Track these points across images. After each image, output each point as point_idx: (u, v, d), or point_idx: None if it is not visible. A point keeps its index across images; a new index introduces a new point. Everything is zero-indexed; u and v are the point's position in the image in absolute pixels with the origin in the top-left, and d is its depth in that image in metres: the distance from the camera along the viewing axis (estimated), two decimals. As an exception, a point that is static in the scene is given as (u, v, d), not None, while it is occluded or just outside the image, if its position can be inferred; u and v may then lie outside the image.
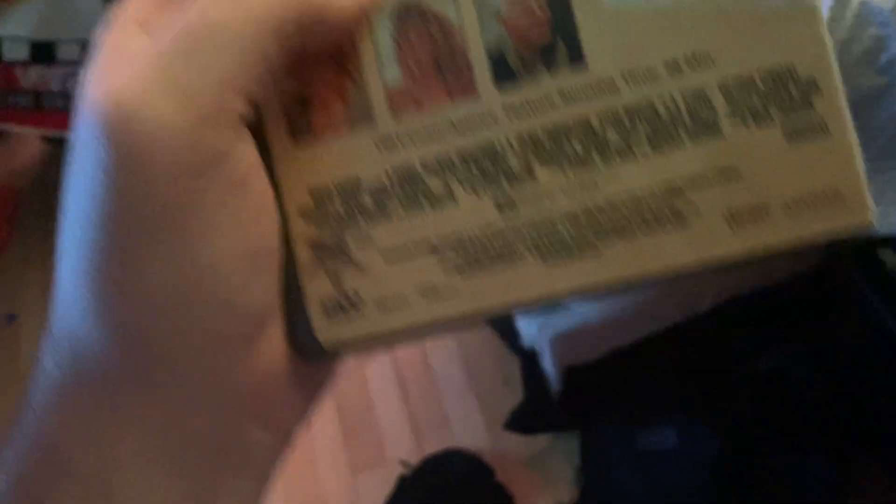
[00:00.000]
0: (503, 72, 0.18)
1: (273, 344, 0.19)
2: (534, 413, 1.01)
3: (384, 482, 1.11)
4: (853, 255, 0.82)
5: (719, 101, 0.17)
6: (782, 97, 0.17)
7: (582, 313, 0.78)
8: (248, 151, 0.18)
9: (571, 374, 0.87)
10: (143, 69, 0.16)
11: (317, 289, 0.19)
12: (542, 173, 0.18)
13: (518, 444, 1.10)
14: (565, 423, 1.02)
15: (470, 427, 1.16)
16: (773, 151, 0.17)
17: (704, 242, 0.18)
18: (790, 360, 0.97)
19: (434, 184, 0.18)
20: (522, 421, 1.04)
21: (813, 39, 0.17)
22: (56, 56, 1.37)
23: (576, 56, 0.17)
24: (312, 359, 0.20)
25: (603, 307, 0.76)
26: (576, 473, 1.09)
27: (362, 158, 0.19)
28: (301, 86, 0.19)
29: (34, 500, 0.17)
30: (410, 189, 0.18)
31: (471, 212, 0.18)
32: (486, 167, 0.18)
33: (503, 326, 1.01)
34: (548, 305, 0.20)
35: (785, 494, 1.00)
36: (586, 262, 0.18)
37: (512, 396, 1.16)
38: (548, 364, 0.85)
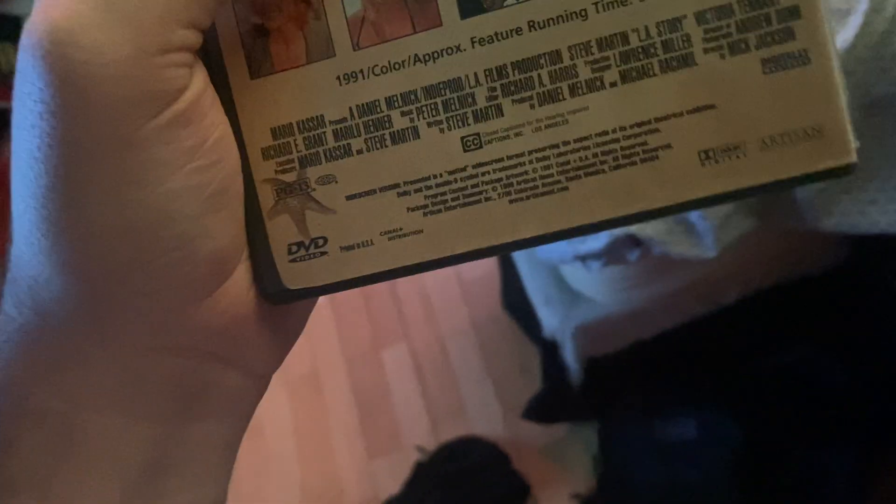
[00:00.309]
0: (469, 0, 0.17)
1: (239, 286, 0.18)
2: (552, 402, 1.01)
3: (400, 467, 1.11)
4: (883, 249, 0.81)
5: (694, 30, 0.16)
6: (761, 24, 0.16)
7: (605, 305, 0.77)
8: (201, 86, 0.17)
9: (592, 365, 0.87)
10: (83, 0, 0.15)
11: (280, 231, 0.18)
12: (510, 109, 0.17)
13: (535, 432, 1.09)
14: (584, 412, 1.01)
15: (486, 414, 1.15)
16: (749, 84, 0.16)
17: (677, 183, 0.16)
18: (815, 352, 0.96)
19: (398, 120, 0.17)
20: (541, 410, 1.03)
21: None
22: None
23: None
24: (279, 303, 0.19)
25: (627, 299, 0.75)
26: (593, 462, 1.09)
27: (324, 94, 0.18)
28: (260, 17, 0.18)
29: (1, 444, 0.17)
30: (374, 126, 0.18)
31: (436, 149, 0.17)
32: (451, 102, 0.17)
33: (524, 316, 1.00)
34: (515, 251, 0.17)
35: (806, 487, 0.99)
36: (555, 205, 0.17)
37: (529, 385, 1.15)
38: (569, 355, 0.85)
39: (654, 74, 0.16)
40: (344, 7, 0.17)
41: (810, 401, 0.98)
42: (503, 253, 0.18)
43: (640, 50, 0.16)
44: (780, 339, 0.94)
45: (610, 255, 0.67)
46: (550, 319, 0.82)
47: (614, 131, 0.16)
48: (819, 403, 0.97)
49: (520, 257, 0.87)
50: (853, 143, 0.16)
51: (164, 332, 0.18)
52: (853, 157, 0.16)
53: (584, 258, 0.69)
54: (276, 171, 0.18)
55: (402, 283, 1.28)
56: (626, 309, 0.78)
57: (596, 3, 0.16)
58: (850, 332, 0.94)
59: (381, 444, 1.17)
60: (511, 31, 0.17)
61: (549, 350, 0.90)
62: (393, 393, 1.21)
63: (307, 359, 1.26)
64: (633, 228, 0.65)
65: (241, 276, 0.18)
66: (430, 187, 0.17)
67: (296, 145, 0.18)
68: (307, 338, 1.28)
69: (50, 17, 0.15)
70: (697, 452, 1.02)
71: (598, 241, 0.67)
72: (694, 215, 0.65)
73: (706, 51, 0.16)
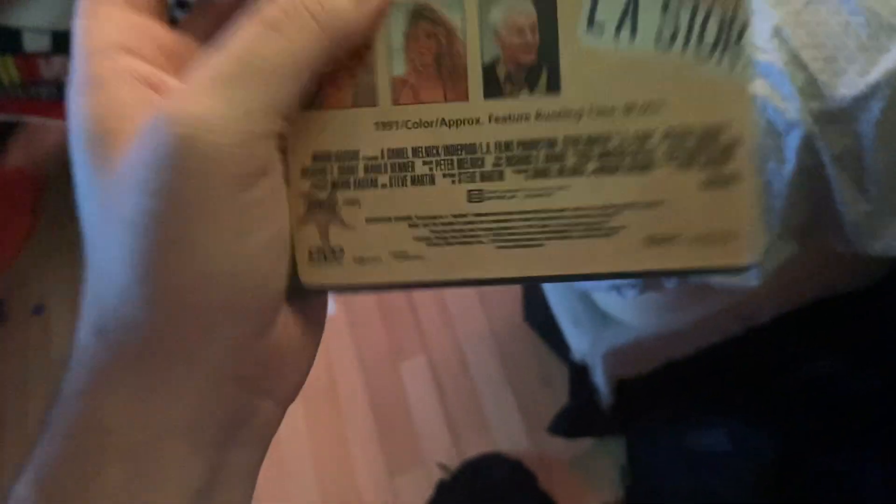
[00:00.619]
0: (492, 85, 0.20)
1: (287, 318, 0.21)
2: (579, 418, 0.98)
3: (422, 484, 1.09)
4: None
5: (659, 146, 0.20)
6: (708, 150, 0.20)
7: (637, 328, 0.74)
8: (278, 156, 0.20)
9: (623, 386, 0.84)
10: (207, 92, 0.18)
11: (306, 237, 0.22)
12: (509, 176, 0.21)
13: (560, 445, 1.07)
14: (612, 427, 0.98)
15: (509, 428, 1.13)
16: (691, 194, 0.20)
17: (626, 256, 0.20)
18: (848, 364, 0.93)
19: (419, 167, 0.21)
20: (567, 425, 1.01)
21: (741, 108, 0.20)
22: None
23: (554, 83, 0.20)
24: (291, 295, 0.22)
25: (661, 323, 0.72)
26: (621, 473, 1.06)
27: (362, 134, 0.21)
28: None
29: (83, 478, 0.19)
30: (399, 168, 0.21)
31: (446, 196, 0.21)
32: (465, 162, 0.21)
33: (546, 328, 0.97)
34: (498, 286, 0.20)
35: (839, 498, 0.97)
36: (532, 257, 0.21)
37: (552, 397, 1.12)
38: (599, 378, 0.81)
39: (624, 172, 0.20)
40: (392, 68, 0.21)
41: (843, 412, 0.95)
42: (486, 286, 0.22)
43: (616, 151, 0.20)
44: (813, 352, 0.91)
45: (647, 283, 0.64)
46: (579, 342, 0.79)
47: (586, 209, 0.20)
48: (852, 415, 0.94)
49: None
50: (751, 253, 0.20)
51: (236, 364, 0.20)
52: (747, 262, 0.20)
53: (619, 287, 0.65)
54: (311, 188, 0.22)
55: (419, 293, 1.25)
56: (659, 331, 0.75)
57: (590, 110, 0.20)
58: (883, 343, 0.91)
59: (402, 460, 1.14)
60: (521, 116, 0.20)
61: (576, 366, 0.88)
62: (412, 406, 1.18)
63: (323, 372, 1.23)
64: (673, 259, 0.62)
65: (287, 310, 0.21)
66: (436, 225, 0.21)
67: (331, 171, 0.21)
68: (323, 350, 1.25)
69: (187, 106, 0.18)
70: (729, 463, 1.00)
71: (634, 271, 0.64)
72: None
73: (665, 163, 0.20)
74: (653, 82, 0.20)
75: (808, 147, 0.58)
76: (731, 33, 0.19)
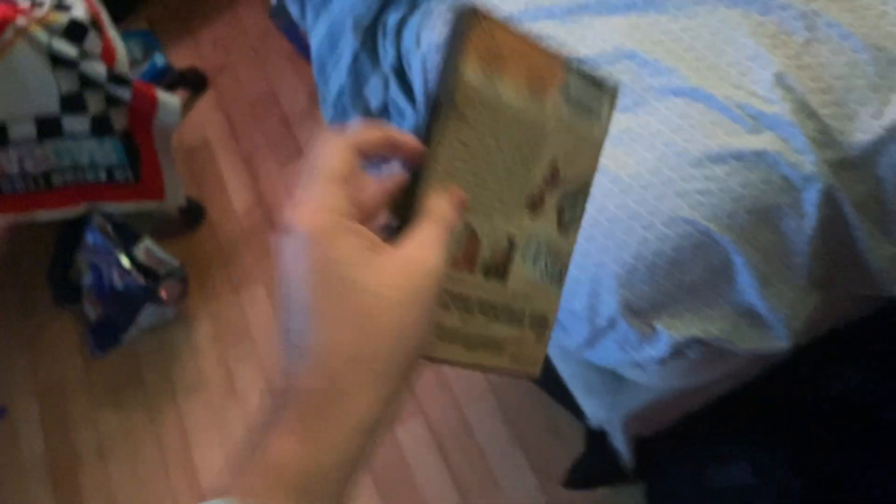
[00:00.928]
0: (486, 270, 0.37)
1: None
2: (597, 470, 0.93)
3: (438, 557, 1.03)
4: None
5: (527, 317, 0.39)
6: (540, 323, 0.40)
7: (656, 389, 0.69)
8: None
9: (641, 442, 0.79)
10: (432, 255, 0.32)
11: None
12: (478, 316, 0.37)
13: (576, 495, 1.02)
14: (631, 476, 0.94)
15: (521, 484, 1.07)
16: (533, 339, 0.40)
17: (501, 362, 0.39)
18: (868, 380, 0.90)
19: (450, 303, 0.36)
20: (583, 477, 0.96)
21: (556, 308, 0.41)
22: (9, 137, 1.25)
23: (505, 278, 0.38)
24: None
25: (681, 383, 0.67)
26: (640, 515, 1.02)
27: (443, 279, 0.36)
28: None
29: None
30: (459, 301, 0.36)
31: (476, 323, 0.37)
32: (466, 305, 0.37)
33: (556, 391, 0.92)
34: (467, 369, 0.39)
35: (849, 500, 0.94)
36: (474, 354, 0.37)
37: (562, 448, 1.07)
38: (619, 443, 0.77)
39: (514, 326, 0.39)
40: (455, 248, 0.36)
41: (866, 428, 0.92)
42: (456, 366, 0.37)
43: (513, 315, 0.39)
44: (832, 372, 0.88)
45: (670, 358, 0.59)
46: (596, 409, 0.75)
47: (499, 339, 0.38)
48: (879, 431, 0.91)
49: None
50: (539, 369, 0.40)
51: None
52: (539, 371, 0.40)
53: (641, 364, 0.61)
54: None
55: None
56: (678, 391, 0.70)
57: (512, 294, 0.38)
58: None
59: (413, 532, 1.08)
60: (492, 289, 0.37)
61: (595, 432, 0.83)
62: (415, 472, 1.12)
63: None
64: (699, 332, 0.57)
65: None
66: (466, 334, 0.37)
67: None
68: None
69: (428, 261, 0.32)
70: (754, 497, 0.96)
71: (656, 349, 0.59)
72: (761, 307, 0.57)
73: (527, 325, 0.39)
74: (533, 289, 0.39)
75: (828, 199, 0.54)
76: (562, 276, 0.40)
